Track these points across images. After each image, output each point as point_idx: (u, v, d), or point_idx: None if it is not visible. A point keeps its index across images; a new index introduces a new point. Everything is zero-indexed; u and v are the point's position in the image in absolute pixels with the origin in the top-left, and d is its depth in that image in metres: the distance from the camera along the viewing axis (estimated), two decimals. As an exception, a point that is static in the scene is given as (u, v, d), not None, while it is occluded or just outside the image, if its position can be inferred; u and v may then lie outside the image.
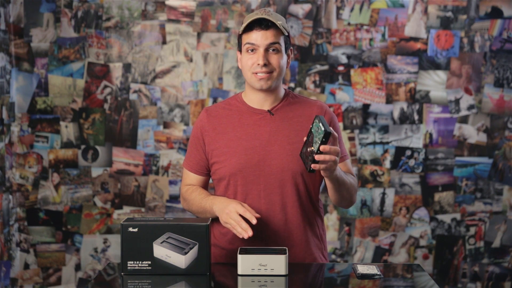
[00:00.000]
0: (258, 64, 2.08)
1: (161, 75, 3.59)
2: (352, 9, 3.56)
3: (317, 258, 2.19)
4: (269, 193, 2.11)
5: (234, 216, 1.99)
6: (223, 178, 2.16)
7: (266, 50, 2.09)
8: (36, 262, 3.63)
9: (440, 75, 3.59)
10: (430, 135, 3.61)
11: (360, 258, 3.64)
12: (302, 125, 2.14)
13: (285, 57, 2.13)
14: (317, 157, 1.84)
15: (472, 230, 3.65)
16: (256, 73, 2.10)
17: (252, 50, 2.10)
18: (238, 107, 2.19)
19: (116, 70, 3.58)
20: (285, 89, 2.23)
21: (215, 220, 2.17)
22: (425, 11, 3.56)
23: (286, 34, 2.14)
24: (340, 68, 3.59)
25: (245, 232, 1.96)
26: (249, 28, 2.10)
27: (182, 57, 3.58)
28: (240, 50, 2.16)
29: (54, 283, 3.65)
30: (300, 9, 3.56)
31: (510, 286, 3.66)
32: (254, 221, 1.95)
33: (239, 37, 2.16)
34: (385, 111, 3.60)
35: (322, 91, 3.59)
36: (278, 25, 2.08)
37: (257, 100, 2.17)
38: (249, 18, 2.11)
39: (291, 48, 2.19)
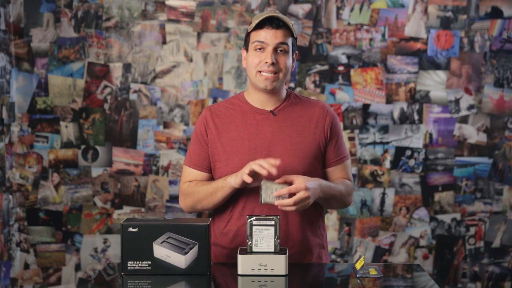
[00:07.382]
0: (266, 63, 2.07)
1: (161, 75, 3.59)
2: (352, 9, 3.56)
3: (317, 258, 2.19)
4: None
5: (258, 162, 1.96)
6: (225, 178, 2.15)
7: (275, 49, 2.08)
8: (36, 262, 3.63)
9: (440, 75, 3.59)
10: (430, 135, 3.61)
11: (360, 258, 3.64)
12: (304, 126, 2.14)
13: (291, 59, 2.13)
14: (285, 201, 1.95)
15: (472, 230, 3.65)
16: (261, 72, 2.09)
17: (260, 49, 2.09)
18: (241, 107, 2.18)
19: (116, 70, 3.58)
20: (286, 90, 2.23)
21: (216, 218, 2.17)
22: (425, 11, 3.56)
23: (295, 36, 2.14)
24: (340, 68, 3.59)
25: (273, 166, 1.94)
26: (259, 26, 2.09)
27: (182, 57, 3.58)
28: (246, 48, 2.15)
29: (54, 283, 3.65)
30: (300, 9, 3.56)
31: (510, 286, 3.66)
32: (273, 170, 1.93)
33: (247, 35, 2.14)
34: (385, 111, 3.60)
35: (322, 91, 3.59)
36: (290, 25, 2.08)
37: (260, 100, 2.16)
38: (260, 16, 2.09)
39: (297, 52, 2.19)
